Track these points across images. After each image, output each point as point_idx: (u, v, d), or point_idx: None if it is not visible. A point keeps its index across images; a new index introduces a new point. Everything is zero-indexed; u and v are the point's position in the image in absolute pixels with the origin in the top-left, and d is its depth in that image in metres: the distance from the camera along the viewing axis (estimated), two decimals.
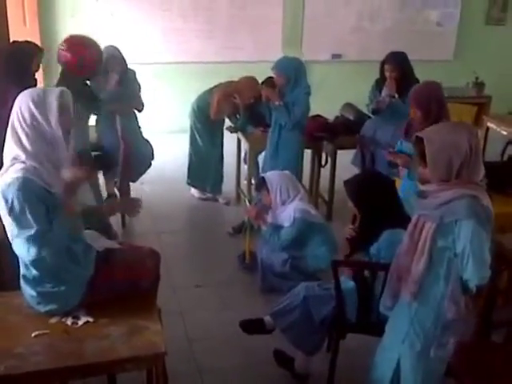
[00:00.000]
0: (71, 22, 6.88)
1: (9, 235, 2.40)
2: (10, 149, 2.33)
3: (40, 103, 2.30)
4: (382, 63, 4.66)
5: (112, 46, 4.72)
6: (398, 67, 4.55)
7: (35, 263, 2.38)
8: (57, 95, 2.34)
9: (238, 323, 3.27)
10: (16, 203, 2.25)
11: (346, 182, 3.08)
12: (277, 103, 4.32)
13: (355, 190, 3.02)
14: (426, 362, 2.40)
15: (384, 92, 4.62)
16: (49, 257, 2.35)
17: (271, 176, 3.83)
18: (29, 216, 2.27)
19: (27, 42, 4.71)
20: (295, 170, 4.33)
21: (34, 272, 2.42)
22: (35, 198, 2.28)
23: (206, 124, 5.26)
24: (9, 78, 4.06)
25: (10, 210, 2.28)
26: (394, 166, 3.66)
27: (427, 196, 2.32)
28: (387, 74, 4.60)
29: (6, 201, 2.27)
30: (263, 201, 3.89)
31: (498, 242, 2.89)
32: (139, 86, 4.87)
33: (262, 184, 3.86)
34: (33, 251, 2.33)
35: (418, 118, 3.35)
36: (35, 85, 4.34)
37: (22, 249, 2.36)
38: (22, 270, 2.48)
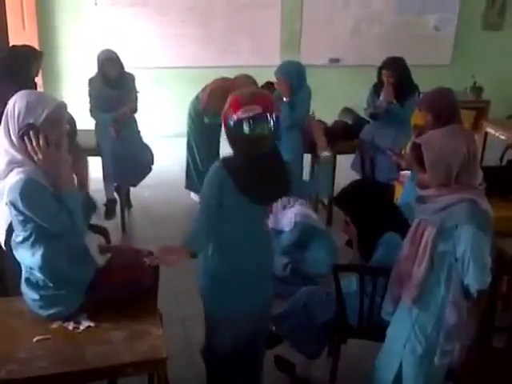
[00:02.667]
0: (70, 27, 6.89)
1: (12, 242, 2.40)
2: (4, 144, 2.33)
3: (32, 109, 2.29)
4: (380, 68, 4.68)
5: (109, 50, 4.72)
6: (396, 73, 4.58)
7: (41, 267, 2.39)
8: (51, 107, 2.31)
9: None
10: (23, 205, 2.26)
11: (336, 200, 3.12)
12: (285, 99, 4.33)
13: (346, 204, 3.04)
14: (428, 366, 2.41)
15: (382, 97, 4.65)
16: (53, 260, 2.38)
17: None
18: (40, 213, 2.29)
19: (26, 46, 4.73)
20: (297, 172, 4.33)
21: (39, 275, 2.43)
22: (40, 194, 2.28)
23: (201, 127, 5.26)
24: (8, 81, 4.07)
25: (20, 213, 2.30)
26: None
27: (427, 201, 2.33)
28: (385, 79, 4.62)
29: (13, 205, 2.28)
30: None
31: (497, 247, 2.89)
32: (136, 91, 4.88)
33: None
34: (38, 255, 2.35)
35: (428, 122, 3.33)
36: (35, 89, 4.35)
37: (27, 254, 2.38)
38: (25, 274, 2.49)
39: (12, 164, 2.29)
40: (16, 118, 2.28)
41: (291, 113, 4.33)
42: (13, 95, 2.36)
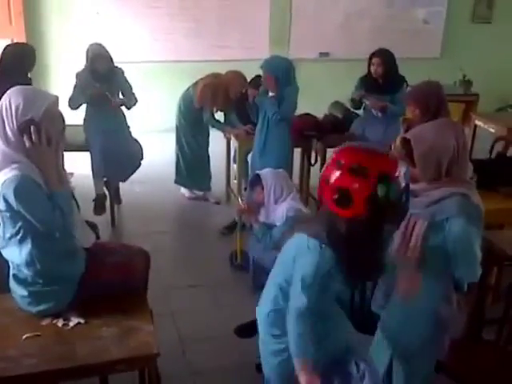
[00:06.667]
0: (57, 20, 6.83)
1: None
2: None
3: (30, 103, 2.26)
4: (370, 57, 4.71)
5: (97, 44, 4.69)
6: (385, 62, 4.62)
7: (29, 264, 2.38)
8: (48, 101, 2.31)
9: (233, 331, 3.31)
10: (17, 202, 2.23)
11: None
12: (271, 94, 4.32)
13: None
14: (419, 360, 2.42)
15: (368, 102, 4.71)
16: (41, 256, 2.36)
17: (266, 174, 3.82)
18: (33, 211, 2.27)
19: (17, 43, 4.75)
20: (285, 167, 4.32)
21: (26, 272, 2.41)
22: (36, 192, 2.26)
23: (191, 121, 5.25)
24: (6, 80, 4.08)
25: (10, 210, 2.27)
26: None
27: (418, 195, 2.33)
28: (373, 68, 4.66)
29: (6, 201, 2.25)
30: (256, 198, 3.87)
31: (487, 240, 2.90)
32: (129, 84, 4.85)
33: (256, 181, 3.84)
34: (25, 252, 2.34)
35: (416, 116, 3.34)
36: (31, 84, 4.35)
37: (15, 252, 2.36)
38: (13, 270, 2.47)
39: (6, 163, 2.26)
40: (14, 114, 2.24)
41: (279, 108, 4.30)
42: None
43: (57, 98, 2.38)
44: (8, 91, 2.32)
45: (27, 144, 2.25)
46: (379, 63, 4.63)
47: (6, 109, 2.26)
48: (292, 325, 2.10)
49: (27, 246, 2.34)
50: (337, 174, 1.97)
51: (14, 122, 2.25)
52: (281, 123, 4.38)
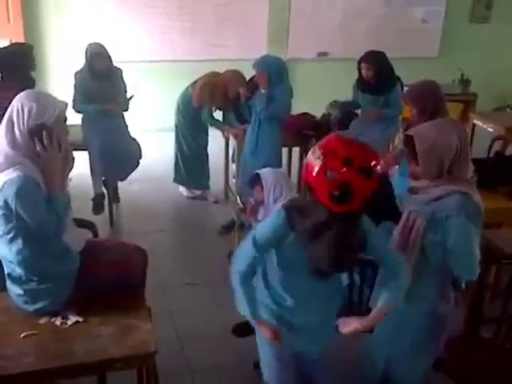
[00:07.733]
0: (56, 19, 6.83)
1: None
2: (1, 145, 2.30)
3: (44, 108, 2.28)
4: (359, 62, 4.73)
5: (97, 44, 4.67)
6: (374, 66, 4.65)
7: (19, 262, 2.37)
8: (61, 107, 2.34)
9: (231, 330, 3.34)
10: (17, 201, 2.23)
11: None
12: (263, 91, 4.31)
13: None
14: (416, 357, 2.43)
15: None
16: (32, 256, 2.36)
17: (266, 173, 3.81)
18: (31, 212, 2.27)
19: (14, 44, 4.73)
20: (275, 166, 4.32)
21: (20, 270, 2.40)
22: (37, 193, 2.26)
23: (190, 120, 5.25)
24: (10, 81, 4.10)
25: (6, 208, 2.27)
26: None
27: (418, 192, 2.33)
28: (364, 72, 4.69)
29: (5, 199, 2.25)
30: (255, 197, 3.87)
31: (485, 238, 2.91)
32: (125, 85, 4.84)
33: (256, 180, 3.83)
34: (14, 251, 2.34)
35: (414, 115, 3.35)
36: (34, 84, 4.35)
37: (5, 249, 2.36)
38: (7, 269, 2.46)
39: (7, 164, 2.26)
40: (26, 117, 2.26)
41: (269, 105, 4.30)
42: (16, 94, 2.35)
43: (66, 104, 2.42)
44: (19, 95, 2.34)
45: (38, 147, 2.27)
46: (368, 67, 4.66)
47: (18, 112, 2.27)
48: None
49: (17, 245, 2.34)
50: (344, 170, 1.94)
51: (25, 125, 2.26)
52: (272, 122, 4.39)
